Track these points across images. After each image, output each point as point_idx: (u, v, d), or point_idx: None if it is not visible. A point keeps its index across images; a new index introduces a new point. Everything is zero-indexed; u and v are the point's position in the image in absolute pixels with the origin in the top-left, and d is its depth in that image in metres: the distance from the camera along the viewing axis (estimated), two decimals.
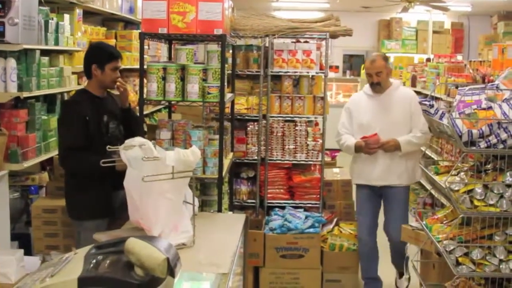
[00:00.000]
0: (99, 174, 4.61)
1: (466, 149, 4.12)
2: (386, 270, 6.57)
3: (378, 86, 6.06)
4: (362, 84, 15.95)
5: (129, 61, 8.46)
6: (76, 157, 4.71)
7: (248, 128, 6.84)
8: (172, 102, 5.29)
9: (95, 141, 4.73)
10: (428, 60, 12.30)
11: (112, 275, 2.31)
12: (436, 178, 4.59)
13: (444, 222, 4.67)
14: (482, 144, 4.11)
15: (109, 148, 3.80)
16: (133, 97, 8.35)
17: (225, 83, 4.86)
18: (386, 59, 6.19)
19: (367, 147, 5.99)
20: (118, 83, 5.03)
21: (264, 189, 6.83)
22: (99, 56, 4.91)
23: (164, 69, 4.75)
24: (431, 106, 4.55)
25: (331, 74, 16.38)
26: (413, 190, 9.79)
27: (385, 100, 6.10)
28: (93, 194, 4.79)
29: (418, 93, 9.60)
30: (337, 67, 18.47)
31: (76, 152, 4.70)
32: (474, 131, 4.11)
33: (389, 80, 6.16)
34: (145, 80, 4.90)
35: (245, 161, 6.87)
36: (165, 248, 2.42)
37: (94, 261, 2.44)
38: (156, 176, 3.47)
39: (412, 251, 5.37)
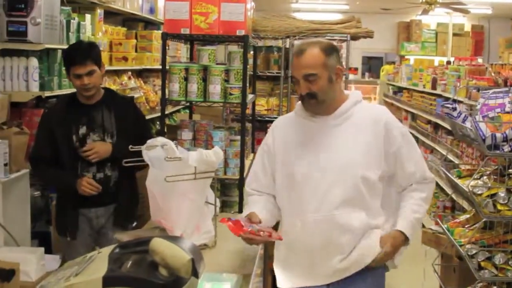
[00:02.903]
0: (58, 189, 4.62)
1: (489, 152, 4.09)
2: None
3: (313, 101, 3.30)
4: (381, 87, 15.94)
5: (149, 61, 8.48)
6: (37, 167, 4.55)
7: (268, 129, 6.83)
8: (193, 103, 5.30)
9: (64, 153, 4.37)
10: (449, 62, 12.24)
11: (137, 274, 2.30)
12: (459, 181, 4.55)
13: (466, 226, 4.63)
14: (506, 148, 4.08)
15: (131, 148, 3.75)
16: (153, 97, 8.40)
17: (247, 84, 4.85)
18: (328, 50, 3.29)
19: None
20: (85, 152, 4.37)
21: None
22: (64, 60, 4.56)
23: (186, 69, 4.75)
24: (454, 109, 4.52)
25: (350, 76, 16.35)
26: (432, 194, 9.72)
27: (334, 127, 3.38)
28: (57, 208, 4.66)
29: (439, 96, 9.56)
30: (356, 69, 18.42)
31: (39, 163, 4.48)
32: (498, 135, 4.07)
33: (339, 90, 3.40)
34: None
35: None
36: (189, 248, 2.41)
37: (119, 260, 2.43)
38: (179, 176, 3.47)
39: (432, 255, 5.33)
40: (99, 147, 4.35)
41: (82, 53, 4.32)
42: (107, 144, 4.39)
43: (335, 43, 6.99)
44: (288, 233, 3.43)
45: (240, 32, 4.72)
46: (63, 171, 4.40)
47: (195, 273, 2.38)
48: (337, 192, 3.29)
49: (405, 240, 3.40)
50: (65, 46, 5.59)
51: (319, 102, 3.30)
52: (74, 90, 5.63)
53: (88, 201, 4.40)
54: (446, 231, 4.69)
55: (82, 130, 4.39)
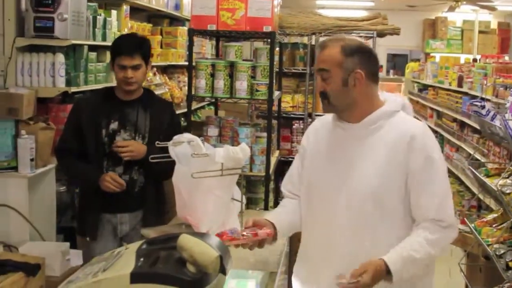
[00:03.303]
0: (81, 188, 4.41)
1: None
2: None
3: (325, 101, 2.98)
4: (407, 85, 15.86)
5: (174, 57, 8.48)
6: (62, 159, 4.32)
7: (294, 126, 6.87)
8: (218, 99, 5.30)
9: (90, 148, 4.15)
10: (475, 60, 12.14)
11: (164, 271, 2.30)
12: (487, 180, 4.51)
13: (494, 226, 4.59)
14: None
15: (157, 143, 3.72)
16: (177, 94, 8.41)
17: (274, 81, 4.84)
18: (350, 50, 2.90)
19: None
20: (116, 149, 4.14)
21: None
22: (111, 48, 4.29)
23: (213, 65, 4.76)
24: (483, 107, 4.48)
25: None
26: (457, 192, 9.65)
27: (359, 139, 2.98)
28: (78, 209, 4.50)
29: (465, 93, 9.47)
30: (380, 66, 18.34)
31: (64, 154, 4.26)
32: None
33: (361, 96, 2.94)
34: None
35: (290, 159, 6.84)
36: (217, 245, 2.41)
37: (146, 256, 2.43)
38: (205, 172, 3.46)
39: (458, 254, 5.29)
40: (135, 146, 4.11)
41: (132, 45, 4.10)
42: (143, 145, 4.13)
43: (362, 40, 6.96)
44: (302, 242, 3.27)
45: (267, 29, 4.71)
46: (89, 165, 4.17)
47: (223, 270, 2.38)
48: (343, 213, 2.94)
49: (388, 274, 2.78)
50: (91, 42, 5.62)
51: (330, 105, 2.97)
52: (100, 86, 5.69)
53: (112, 205, 4.17)
54: (474, 230, 4.65)
55: (113, 125, 4.15)
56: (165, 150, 3.61)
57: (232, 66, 4.75)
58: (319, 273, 3.05)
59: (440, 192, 2.87)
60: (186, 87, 8.66)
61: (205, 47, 9.66)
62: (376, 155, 2.90)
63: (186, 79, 8.90)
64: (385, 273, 2.77)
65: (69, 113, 4.37)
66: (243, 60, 4.90)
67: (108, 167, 4.16)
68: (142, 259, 2.40)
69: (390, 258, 2.78)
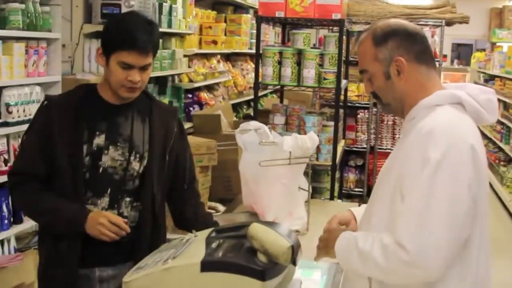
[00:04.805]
0: (46, 232, 2.88)
1: None
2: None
3: (379, 101, 2.53)
4: (472, 75, 15.58)
5: (238, 45, 8.48)
6: (19, 189, 2.82)
7: (358, 116, 6.84)
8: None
9: (64, 172, 2.73)
10: None
11: (235, 260, 2.27)
12: None
13: None
14: None
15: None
16: (241, 81, 8.41)
17: (342, 69, 4.78)
18: (381, 38, 2.39)
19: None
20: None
21: (372, 178, 6.78)
22: (107, 35, 2.79)
23: (280, 53, 4.72)
24: None
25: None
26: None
27: (402, 137, 2.53)
28: (45, 258, 2.89)
29: None
30: (445, 56, 18.03)
31: (22, 182, 2.80)
32: None
33: (408, 86, 2.38)
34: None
35: (354, 148, 6.83)
36: (287, 234, 2.37)
37: (216, 245, 2.40)
38: (273, 161, 3.44)
39: None
40: None
41: (148, 37, 2.72)
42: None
43: (427, 28, 6.82)
44: None
45: (336, 16, 4.64)
46: (62, 198, 2.76)
47: (294, 261, 2.34)
48: (367, 225, 2.47)
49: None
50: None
51: (384, 105, 2.51)
52: (165, 73, 5.66)
53: (89, 256, 2.78)
54: None
55: (99, 139, 2.78)
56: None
57: (300, 53, 4.70)
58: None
59: (408, 206, 2.20)
60: (249, 75, 8.72)
61: (268, 35, 9.65)
62: (398, 158, 2.36)
63: (249, 66, 8.92)
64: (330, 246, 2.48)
65: (32, 121, 2.89)
66: (311, 48, 4.85)
67: (87, 200, 2.79)
68: (212, 247, 2.38)
69: (345, 233, 2.44)
